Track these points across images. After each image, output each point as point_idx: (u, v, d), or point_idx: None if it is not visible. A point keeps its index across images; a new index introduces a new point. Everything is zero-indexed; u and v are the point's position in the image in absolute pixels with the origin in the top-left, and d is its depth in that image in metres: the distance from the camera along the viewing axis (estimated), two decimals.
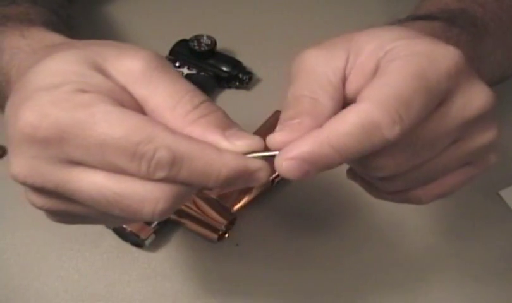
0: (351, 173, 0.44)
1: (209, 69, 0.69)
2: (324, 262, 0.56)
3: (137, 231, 0.54)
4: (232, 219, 0.56)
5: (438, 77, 0.37)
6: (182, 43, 0.70)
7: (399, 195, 0.43)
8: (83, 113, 0.35)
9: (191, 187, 0.37)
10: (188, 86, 0.38)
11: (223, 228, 0.55)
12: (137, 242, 0.55)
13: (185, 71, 0.68)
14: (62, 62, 0.37)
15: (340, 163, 0.37)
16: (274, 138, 0.38)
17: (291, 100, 0.39)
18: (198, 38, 0.69)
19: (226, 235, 0.56)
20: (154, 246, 0.56)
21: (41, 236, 0.56)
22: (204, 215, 0.56)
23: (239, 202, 0.57)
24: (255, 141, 0.38)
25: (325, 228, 0.58)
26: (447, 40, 0.44)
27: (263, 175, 0.38)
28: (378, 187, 0.43)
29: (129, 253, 0.55)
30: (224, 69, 0.69)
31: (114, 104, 0.36)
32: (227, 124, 0.39)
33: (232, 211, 0.57)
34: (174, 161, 0.35)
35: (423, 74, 0.37)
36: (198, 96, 0.38)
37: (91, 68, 0.37)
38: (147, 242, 0.55)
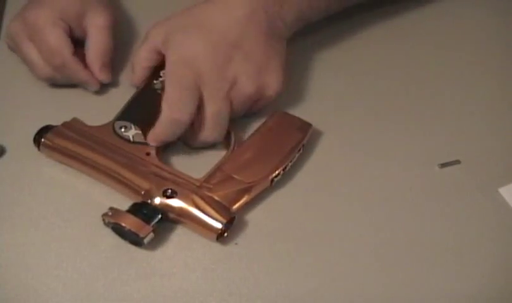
0: None
1: None
2: (324, 262, 0.56)
3: (136, 229, 0.54)
4: (231, 218, 0.56)
5: None
6: None
7: None
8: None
9: None
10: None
11: (222, 227, 0.55)
12: (136, 241, 0.55)
13: None
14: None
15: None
16: None
17: None
18: None
19: (225, 234, 0.56)
20: (153, 245, 0.56)
21: (40, 236, 0.56)
22: (203, 214, 0.56)
23: (238, 201, 0.57)
24: None
25: (325, 227, 0.58)
26: None
27: None
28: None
29: (128, 252, 0.55)
30: None
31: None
32: None
33: (231, 210, 0.57)
34: None
35: None
36: None
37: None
38: (146, 241, 0.55)
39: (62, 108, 0.66)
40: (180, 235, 0.57)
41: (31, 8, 0.66)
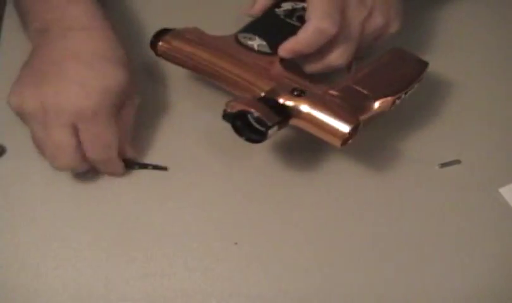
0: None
1: None
2: (324, 262, 0.56)
3: (265, 117, 0.53)
4: (357, 124, 0.54)
5: None
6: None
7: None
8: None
9: None
10: None
11: (350, 130, 0.53)
12: (259, 132, 0.54)
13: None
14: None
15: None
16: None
17: None
18: None
19: (349, 141, 0.54)
20: (153, 244, 0.56)
21: (39, 235, 0.56)
22: (331, 115, 0.54)
23: (362, 114, 0.56)
24: None
25: (324, 227, 0.58)
26: None
27: None
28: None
29: (128, 252, 0.55)
30: None
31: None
32: None
33: (358, 119, 0.54)
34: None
35: None
36: None
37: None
38: (270, 133, 0.53)
39: None
40: (180, 234, 0.57)
41: (79, 92, 0.55)
